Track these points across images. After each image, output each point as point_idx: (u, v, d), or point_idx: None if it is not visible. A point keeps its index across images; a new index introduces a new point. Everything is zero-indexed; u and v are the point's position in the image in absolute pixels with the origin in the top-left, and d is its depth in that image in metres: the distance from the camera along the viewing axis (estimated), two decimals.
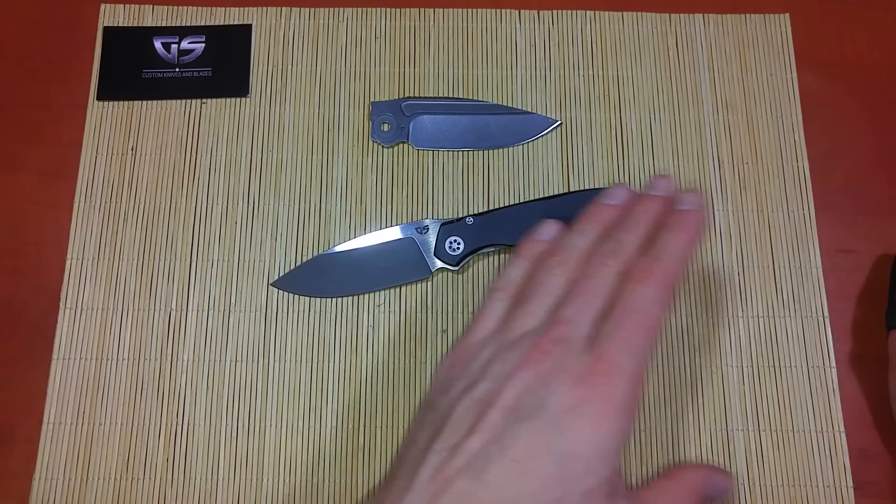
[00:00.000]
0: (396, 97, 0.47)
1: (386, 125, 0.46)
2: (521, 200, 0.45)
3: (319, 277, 0.44)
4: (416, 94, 0.47)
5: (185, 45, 0.48)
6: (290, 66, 0.48)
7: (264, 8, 0.49)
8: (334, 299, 0.44)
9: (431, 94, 0.47)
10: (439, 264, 0.43)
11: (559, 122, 0.47)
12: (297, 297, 0.43)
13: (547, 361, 0.28)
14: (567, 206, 0.43)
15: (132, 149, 0.46)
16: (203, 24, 0.49)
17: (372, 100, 0.47)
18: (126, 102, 0.47)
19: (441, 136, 0.46)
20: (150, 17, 0.49)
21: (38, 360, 0.42)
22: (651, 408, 0.42)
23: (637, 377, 0.28)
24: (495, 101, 0.47)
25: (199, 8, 0.49)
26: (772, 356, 0.43)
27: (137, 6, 0.49)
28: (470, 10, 0.49)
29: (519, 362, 0.28)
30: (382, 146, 0.46)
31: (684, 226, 0.31)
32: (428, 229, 0.44)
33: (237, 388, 0.42)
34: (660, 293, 0.29)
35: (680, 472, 0.34)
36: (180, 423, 0.41)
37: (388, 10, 0.49)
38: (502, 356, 0.29)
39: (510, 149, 0.46)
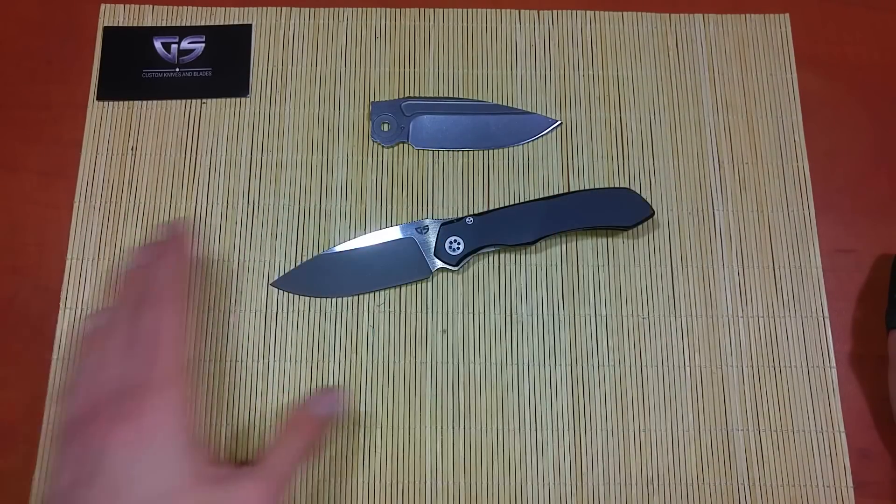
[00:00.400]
0: (397, 97, 0.47)
1: (386, 125, 0.46)
2: (521, 200, 0.45)
3: (319, 277, 0.44)
4: (416, 94, 0.47)
5: (185, 45, 0.48)
6: (290, 66, 0.48)
7: (264, 8, 0.49)
8: (334, 299, 0.44)
9: (431, 94, 0.47)
10: (439, 264, 0.43)
11: (559, 122, 0.47)
12: (297, 297, 0.43)
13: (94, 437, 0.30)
14: (567, 207, 0.44)
15: (132, 149, 0.46)
16: (203, 24, 0.49)
17: (372, 100, 0.47)
18: (126, 102, 0.47)
19: (441, 136, 0.46)
20: (150, 17, 0.49)
21: (38, 360, 0.42)
22: (651, 408, 0.42)
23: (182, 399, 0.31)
24: (495, 101, 0.47)
25: (199, 8, 0.49)
26: (772, 356, 0.43)
27: (137, 6, 0.49)
28: (470, 10, 0.49)
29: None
30: (382, 146, 0.46)
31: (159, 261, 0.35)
32: (428, 229, 0.44)
33: (237, 389, 0.42)
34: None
35: (283, 426, 0.36)
36: None
37: (388, 10, 0.49)
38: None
39: (510, 149, 0.46)
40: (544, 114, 0.47)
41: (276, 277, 0.44)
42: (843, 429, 0.42)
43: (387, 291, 0.44)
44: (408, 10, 0.49)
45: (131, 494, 0.28)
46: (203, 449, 0.31)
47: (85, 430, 0.30)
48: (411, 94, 0.47)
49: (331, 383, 0.42)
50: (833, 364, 0.43)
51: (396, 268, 0.43)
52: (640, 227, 0.44)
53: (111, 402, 0.30)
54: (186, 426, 0.30)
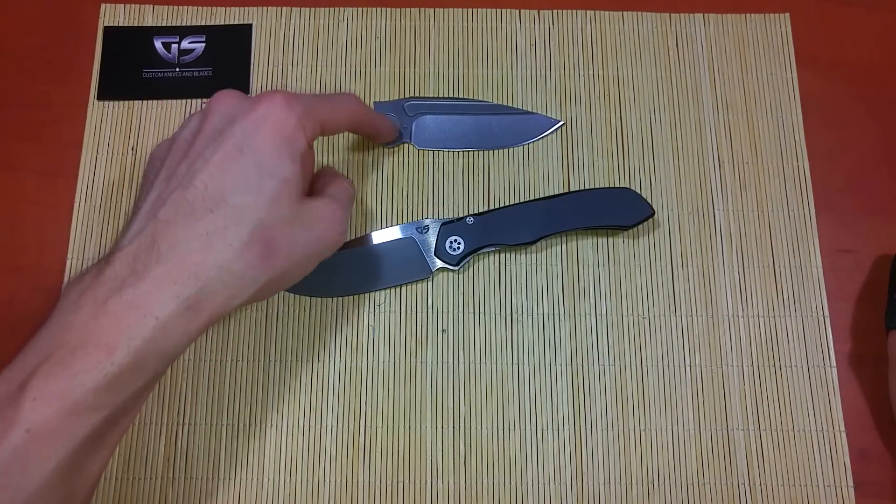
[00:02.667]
0: (398, 97, 0.47)
1: None
2: (521, 200, 0.45)
3: (320, 277, 0.44)
4: (417, 94, 0.47)
5: (185, 44, 0.48)
6: (290, 66, 0.48)
7: (264, 8, 0.49)
8: (334, 299, 0.43)
9: (432, 94, 0.47)
10: (440, 264, 0.43)
11: (562, 122, 0.47)
12: (297, 297, 0.43)
13: (227, 104, 0.34)
14: (567, 206, 0.44)
15: (132, 149, 0.46)
16: (203, 24, 0.49)
17: (374, 100, 0.47)
18: (126, 102, 0.47)
19: (444, 136, 0.46)
20: (151, 16, 0.49)
21: None
22: (651, 407, 0.42)
23: (305, 118, 0.34)
24: (496, 101, 0.47)
25: (200, 8, 0.49)
26: (772, 356, 0.43)
27: (138, 6, 0.49)
28: (470, 10, 0.49)
29: (207, 106, 0.35)
30: (385, 147, 0.46)
31: None
32: (428, 229, 0.44)
33: (237, 388, 0.42)
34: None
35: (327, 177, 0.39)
36: (180, 423, 0.41)
37: (388, 10, 0.49)
38: (195, 118, 0.35)
39: (511, 149, 0.46)
40: (545, 114, 0.47)
41: None
42: (843, 428, 0.42)
43: (387, 291, 0.44)
44: (408, 10, 0.49)
45: (254, 159, 0.32)
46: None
47: (214, 105, 0.34)
48: (412, 94, 0.47)
49: (331, 383, 0.42)
50: (833, 364, 0.43)
51: (397, 268, 0.43)
52: (640, 226, 0.44)
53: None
54: (299, 134, 0.33)
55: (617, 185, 0.46)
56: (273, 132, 0.32)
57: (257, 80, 0.48)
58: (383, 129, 0.43)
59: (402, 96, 0.47)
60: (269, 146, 0.32)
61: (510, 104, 0.47)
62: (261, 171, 0.32)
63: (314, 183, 0.38)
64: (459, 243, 0.43)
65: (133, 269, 0.29)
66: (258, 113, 0.33)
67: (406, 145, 0.46)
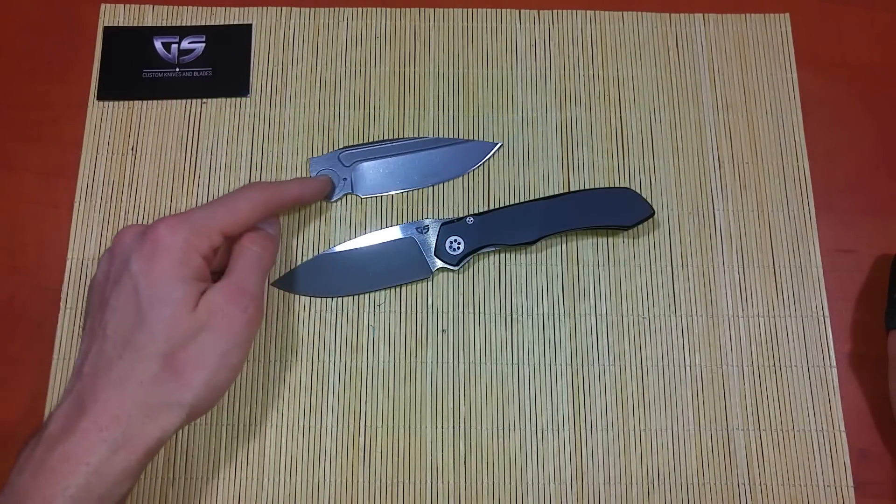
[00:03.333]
0: (397, 97, 0.47)
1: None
2: (521, 200, 0.45)
3: (319, 277, 0.44)
4: (417, 94, 0.47)
5: (185, 44, 0.48)
6: (290, 66, 0.48)
7: (264, 8, 0.49)
8: (334, 299, 0.43)
9: (432, 94, 0.47)
10: (440, 264, 0.43)
11: (500, 144, 0.46)
12: (297, 297, 0.43)
13: (125, 244, 0.36)
14: (567, 206, 0.44)
15: (132, 149, 0.46)
16: (203, 24, 0.49)
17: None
18: (126, 102, 0.47)
19: (384, 180, 0.45)
20: (151, 17, 0.49)
21: (38, 360, 0.42)
22: (651, 407, 0.42)
23: (193, 235, 0.35)
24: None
25: (200, 8, 0.49)
26: (772, 356, 0.43)
27: (137, 6, 0.49)
28: (470, 10, 0.49)
29: (110, 247, 0.37)
30: (328, 202, 0.45)
31: None
32: (428, 229, 0.44)
33: (237, 388, 0.42)
34: None
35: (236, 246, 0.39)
36: None
37: (388, 10, 0.49)
38: (104, 260, 0.37)
39: (511, 148, 0.46)
40: (544, 113, 0.47)
41: (276, 277, 0.44)
42: (843, 428, 0.42)
43: (387, 291, 0.44)
44: (408, 10, 0.49)
45: (146, 293, 0.33)
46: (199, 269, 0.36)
47: (115, 246, 0.36)
48: (411, 94, 0.47)
49: (331, 383, 0.42)
50: (833, 364, 0.43)
51: (397, 268, 0.43)
52: (640, 226, 0.44)
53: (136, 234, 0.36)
54: (190, 254, 0.35)
55: (617, 185, 0.46)
56: (161, 262, 0.34)
57: (257, 80, 0.48)
58: (307, 195, 0.43)
59: (401, 97, 0.47)
60: (159, 276, 0.34)
61: (510, 104, 0.47)
62: (153, 303, 0.33)
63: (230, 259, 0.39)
64: (459, 243, 0.43)
65: (64, 426, 0.32)
66: (146, 249, 0.34)
67: (348, 196, 0.46)
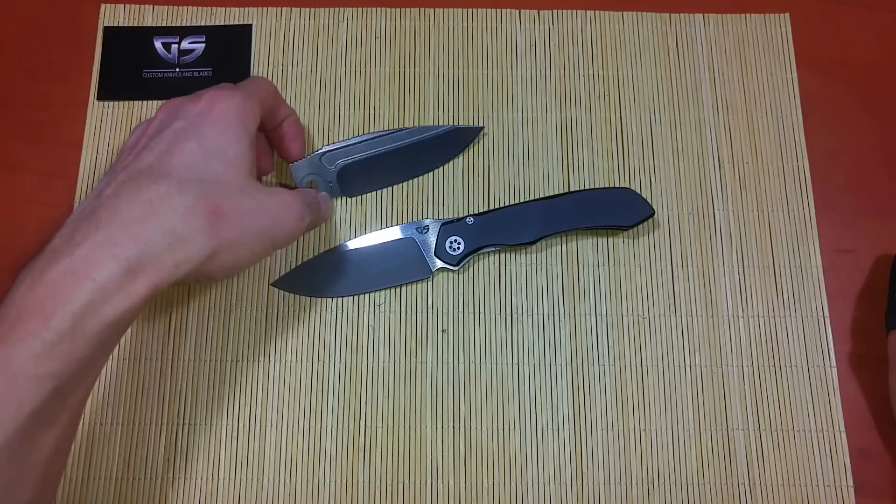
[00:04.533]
0: (397, 97, 0.47)
1: (312, 185, 0.44)
2: (521, 200, 0.45)
3: (320, 277, 0.44)
4: (417, 94, 0.47)
5: (185, 45, 0.48)
6: (290, 66, 0.48)
7: (264, 8, 0.49)
8: (334, 299, 0.44)
9: (432, 94, 0.47)
10: (440, 264, 0.43)
11: (482, 127, 0.46)
12: (297, 297, 0.43)
13: (172, 105, 0.35)
14: (567, 206, 0.44)
15: None
16: (203, 24, 0.49)
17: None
18: (126, 102, 0.47)
19: (370, 177, 0.45)
20: (151, 17, 0.49)
21: None
22: (651, 408, 0.42)
23: (248, 99, 0.36)
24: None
25: (200, 8, 0.49)
26: (772, 356, 0.43)
27: (137, 6, 0.49)
28: (470, 10, 0.49)
29: (160, 111, 0.36)
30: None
31: None
32: (428, 229, 0.44)
33: (237, 388, 0.42)
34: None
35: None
36: (180, 423, 0.41)
37: (388, 10, 0.49)
38: (143, 123, 0.37)
39: (511, 148, 0.46)
40: (544, 113, 0.47)
41: (276, 277, 0.44)
42: (843, 428, 0.42)
43: (387, 291, 0.44)
44: (408, 10, 0.49)
45: (200, 142, 0.33)
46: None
47: (159, 112, 0.36)
48: (408, 97, 0.47)
49: (331, 383, 0.42)
50: (833, 364, 0.43)
51: (397, 268, 0.43)
52: (640, 226, 0.44)
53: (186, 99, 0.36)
54: (247, 117, 0.35)
55: (617, 185, 0.46)
56: (218, 119, 0.34)
57: None
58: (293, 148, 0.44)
59: (401, 97, 0.47)
60: (214, 131, 0.34)
61: (510, 104, 0.47)
62: (206, 153, 0.33)
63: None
64: (459, 243, 0.43)
65: (71, 238, 0.29)
66: (201, 105, 0.34)
67: (338, 199, 0.45)
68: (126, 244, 0.29)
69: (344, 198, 0.45)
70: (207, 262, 0.32)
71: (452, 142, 0.46)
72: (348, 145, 0.44)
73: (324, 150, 0.44)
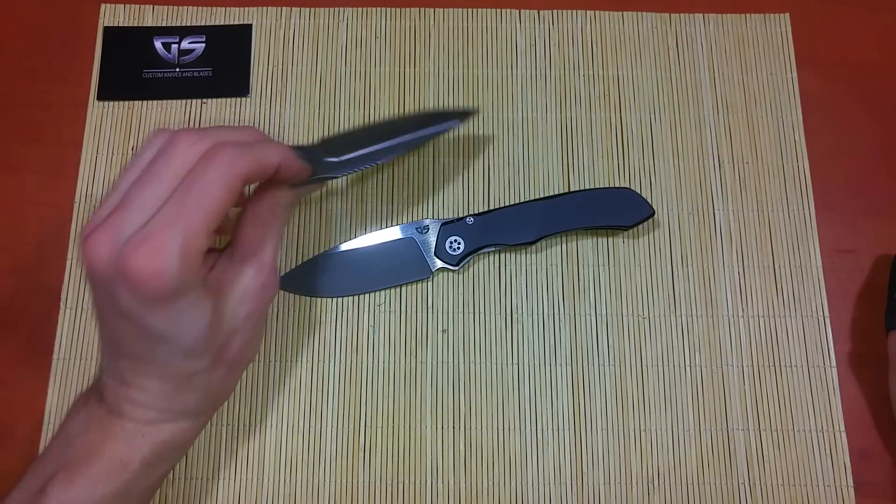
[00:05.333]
0: (398, 97, 0.47)
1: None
2: (521, 200, 0.45)
3: (320, 277, 0.44)
4: (417, 94, 0.47)
5: (185, 45, 0.48)
6: (290, 66, 0.48)
7: (264, 8, 0.49)
8: (334, 299, 0.44)
9: (432, 95, 0.47)
10: (440, 264, 0.43)
11: (471, 112, 0.46)
12: (297, 297, 0.43)
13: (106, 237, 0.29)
14: (567, 206, 0.44)
15: (132, 149, 0.46)
16: (203, 24, 0.49)
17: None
18: (126, 102, 0.47)
19: (356, 144, 0.38)
20: (151, 17, 0.49)
21: (38, 360, 0.42)
22: (651, 408, 0.42)
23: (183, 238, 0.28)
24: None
25: (200, 8, 0.49)
26: (772, 356, 0.43)
27: (137, 6, 0.49)
28: (470, 10, 0.49)
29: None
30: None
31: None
32: (428, 229, 0.44)
33: (238, 388, 0.42)
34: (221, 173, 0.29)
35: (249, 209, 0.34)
36: None
37: (388, 9, 0.49)
38: None
39: (511, 148, 0.46)
40: (544, 113, 0.47)
41: None
42: (843, 428, 0.42)
43: (387, 291, 0.44)
44: (408, 10, 0.49)
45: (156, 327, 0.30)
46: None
47: (91, 264, 0.29)
48: (410, 95, 0.47)
49: (331, 383, 0.42)
50: (833, 364, 0.43)
51: (397, 268, 0.43)
52: (640, 226, 0.44)
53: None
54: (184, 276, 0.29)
55: (617, 185, 0.46)
56: (152, 296, 0.29)
57: (257, 81, 0.48)
58: (288, 166, 0.33)
59: (401, 97, 0.47)
60: (162, 307, 0.30)
61: (510, 104, 0.47)
62: (166, 334, 0.31)
63: (239, 239, 0.34)
64: (459, 243, 0.43)
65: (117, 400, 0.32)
66: (128, 282, 0.29)
67: (328, 185, 0.45)
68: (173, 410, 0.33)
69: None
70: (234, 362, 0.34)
71: (441, 120, 0.42)
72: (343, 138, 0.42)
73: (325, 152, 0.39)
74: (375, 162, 0.39)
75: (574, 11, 0.49)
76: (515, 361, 0.43)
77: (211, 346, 0.32)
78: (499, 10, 0.49)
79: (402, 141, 0.40)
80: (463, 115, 0.45)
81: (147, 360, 0.31)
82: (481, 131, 0.47)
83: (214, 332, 0.31)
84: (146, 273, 0.27)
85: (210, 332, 0.31)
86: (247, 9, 0.49)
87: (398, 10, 0.49)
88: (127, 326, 0.30)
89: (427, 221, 0.44)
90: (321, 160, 0.36)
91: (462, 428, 0.41)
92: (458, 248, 0.43)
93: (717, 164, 0.46)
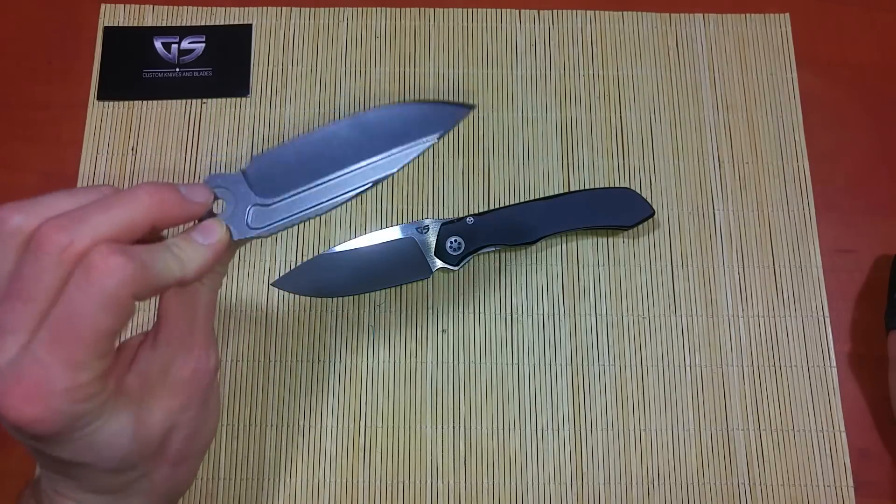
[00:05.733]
0: (398, 97, 0.47)
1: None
2: (521, 200, 0.45)
3: (320, 277, 0.44)
4: (417, 94, 0.47)
5: (185, 44, 0.48)
6: (290, 66, 0.48)
7: (264, 8, 0.49)
8: (334, 299, 0.43)
9: (432, 95, 0.47)
10: (440, 264, 0.43)
11: (473, 106, 0.31)
12: (297, 297, 0.43)
13: None
14: (567, 206, 0.44)
15: (132, 149, 0.46)
16: (203, 24, 0.49)
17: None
18: (126, 102, 0.47)
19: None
20: (151, 17, 0.49)
21: None
22: (651, 408, 0.42)
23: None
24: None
25: (200, 8, 0.49)
26: (772, 356, 0.43)
27: (138, 6, 0.49)
28: (470, 10, 0.49)
29: None
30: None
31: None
32: (428, 229, 0.44)
33: (237, 389, 0.42)
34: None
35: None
36: None
37: (388, 9, 0.49)
38: None
39: (511, 148, 0.46)
40: (544, 113, 0.47)
41: (276, 277, 0.44)
42: (843, 428, 0.42)
43: (387, 291, 0.44)
44: (408, 10, 0.49)
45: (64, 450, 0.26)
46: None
47: None
48: (411, 95, 0.47)
49: (331, 383, 0.42)
50: (833, 364, 0.43)
51: (397, 268, 0.43)
52: (640, 226, 0.44)
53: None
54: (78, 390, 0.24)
55: (617, 185, 0.46)
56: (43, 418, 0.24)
57: (257, 81, 0.48)
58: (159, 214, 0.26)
59: (401, 96, 0.47)
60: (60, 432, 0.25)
61: (510, 104, 0.47)
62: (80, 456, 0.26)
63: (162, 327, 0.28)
64: (459, 243, 0.43)
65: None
66: (15, 397, 0.24)
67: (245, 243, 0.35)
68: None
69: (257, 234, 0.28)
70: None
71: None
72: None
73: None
74: (323, 209, 0.28)
75: (574, 11, 0.49)
76: (515, 361, 0.43)
77: (144, 453, 0.27)
78: (499, 10, 0.49)
79: (364, 169, 0.29)
80: (458, 108, 0.30)
81: (74, 478, 0.27)
82: (481, 131, 0.47)
83: (144, 440, 0.27)
84: (27, 419, 0.23)
85: (138, 444, 0.26)
86: (247, 9, 0.49)
87: (398, 10, 0.49)
88: (37, 455, 0.26)
89: (427, 221, 0.44)
90: (243, 208, 0.28)
91: (462, 428, 0.42)
92: (458, 248, 0.43)
93: (717, 164, 0.46)
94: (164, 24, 0.49)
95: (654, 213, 0.43)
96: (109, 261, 0.23)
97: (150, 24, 0.49)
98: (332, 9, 0.49)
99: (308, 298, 0.43)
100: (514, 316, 0.43)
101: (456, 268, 0.43)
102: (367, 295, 0.44)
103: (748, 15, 0.50)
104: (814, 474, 0.41)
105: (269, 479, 0.41)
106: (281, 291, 0.44)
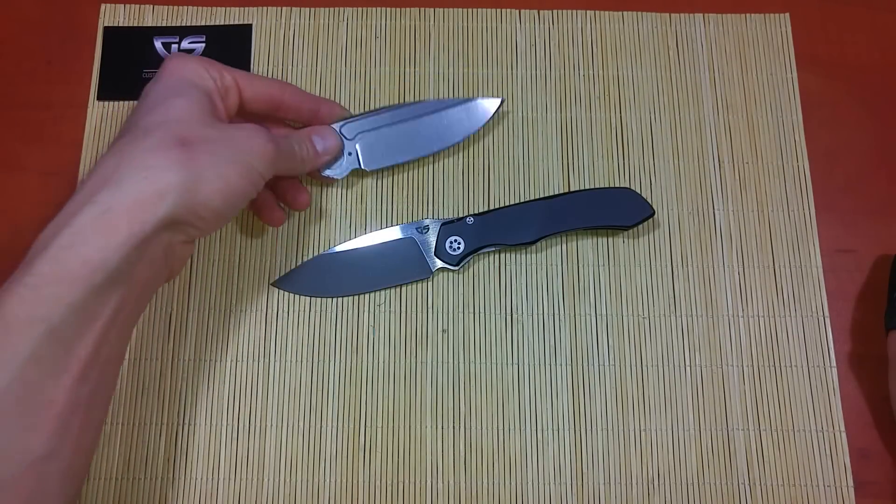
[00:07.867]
0: (398, 97, 0.47)
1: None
2: (521, 200, 0.45)
3: (320, 277, 0.44)
4: (418, 94, 0.47)
5: (185, 45, 0.48)
6: (290, 66, 0.48)
7: (264, 8, 0.49)
8: (334, 299, 0.44)
9: (432, 95, 0.47)
10: (440, 264, 0.43)
11: (503, 99, 0.45)
12: (297, 297, 0.43)
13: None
14: (567, 206, 0.44)
15: None
16: (203, 24, 0.49)
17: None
18: (126, 102, 0.47)
19: (391, 150, 0.44)
20: (151, 17, 0.49)
21: None
22: (651, 407, 0.42)
23: (201, 61, 0.38)
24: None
25: (200, 8, 0.49)
26: (772, 356, 0.43)
27: (138, 6, 0.49)
28: (470, 10, 0.49)
29: None
30: (337, 178, 0.44)
31: None
32: (428, 229, 0.44)
33: (237, 389, 0.42)
34: None
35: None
36: (180, 423, 0.41)
37: (388, 9, 0.49)
38: None
39: (511, 148, 0.46)
40: (544, 113, 0.47)
41: (276, 277, 0.44)
42: (843, 428, 0.42)
43: (387, 291, 0.44)
44: (408, 10, 0.49)
45: (156, 92, 0.36)
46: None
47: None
48: (412, 95, 0.47)
49: (331, 383, 0.42)
50: (833, 364, 0.43)
51: (397, 268, 0.43)
52: (640, 226, 0.44)
53: None
54: (201, 73, 0.38)
55: (617, 185, 0.46)
56: (166, 78, 0.36)
57: None
58: (324, 116, 0.43)
59: (401, 97, 0.47)
60: (161, 87, 0.36)
61: (510, 104, 0.47)
62: (163, 103, 0.35)
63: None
64: (459, 243, 0.43)
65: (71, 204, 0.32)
66: (159, 71, 0.37)
67: (357, 171, 0.45)
68: (100, 190, 0.31)
69: (357, 178, 0.45)
70: (188, 195, 0.32)
71: (473, 115, 0.45)
72: (367, 118, 0.44)
73: (342, 122, 0.43)
74: (403, 153, 0.45)
75: (574, 11, 0.49)
76: (515, 361, 0.43)
77: (182, 121, 0.35)
78: (499, 10, 0.49)
79: (421, 115, 0.45)
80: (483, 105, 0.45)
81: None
82: (481, 131, 0.47)
83: (193, 112, 0.35)
84: (176, 58, 0.39)
85: (188, 110, 0.35)
86: (247, 9, 0.49)
87: (398, 10, 0.49)
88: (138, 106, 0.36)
89: (427, 221, 0.44)
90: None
91: (462, 428, 0.42)
92: (458, 248, 0.43)
93: (717, 164, 0.46)
94: (164, 24, 0.49)
95: (654, 213, 0.43)
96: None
97: (150, 24, 0.49)
98: (332, 9, 0.49)
99: (308, 298, 0.43)
100: (514, 316, 0.43)
101: (456, 268, 0.43)
102: (367, 295, 0.44)
103: (748, 15, 0.50)
104: (814, 474, 0.41)
105: (269, 479, 0.41)
106: (281, 291, 0.44)
